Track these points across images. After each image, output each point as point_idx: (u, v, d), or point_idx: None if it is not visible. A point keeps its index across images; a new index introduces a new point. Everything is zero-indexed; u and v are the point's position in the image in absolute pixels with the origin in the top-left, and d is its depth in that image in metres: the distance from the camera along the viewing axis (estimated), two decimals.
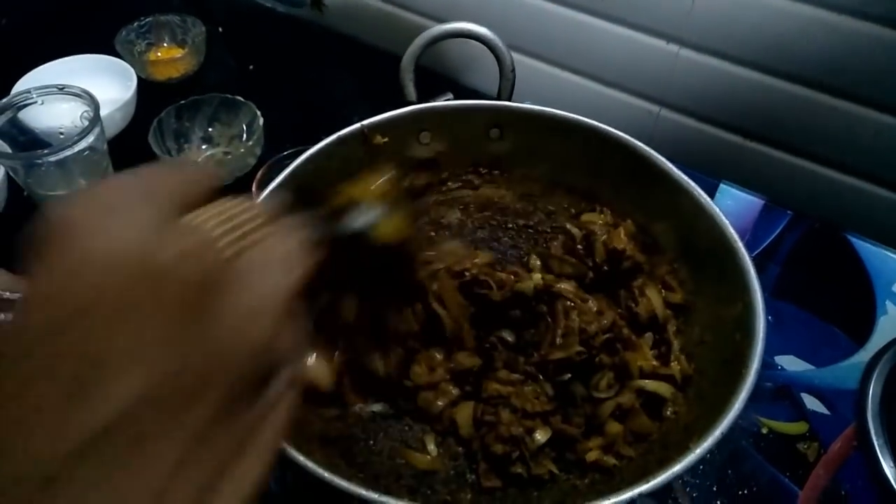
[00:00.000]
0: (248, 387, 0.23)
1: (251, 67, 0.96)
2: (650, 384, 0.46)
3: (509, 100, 0.54)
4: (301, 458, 0.36)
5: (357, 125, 0.50)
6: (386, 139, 0.51)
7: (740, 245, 0.43)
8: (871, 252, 0.68)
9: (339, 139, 0.50)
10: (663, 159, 0.48)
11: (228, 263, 0.23)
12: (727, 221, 0.44)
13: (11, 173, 0.61)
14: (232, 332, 0.22)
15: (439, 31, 0.51)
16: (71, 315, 0.20)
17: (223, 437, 0.22)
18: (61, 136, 0.62)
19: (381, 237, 0.40)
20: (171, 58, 0.90)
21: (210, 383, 0.21)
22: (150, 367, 0.20)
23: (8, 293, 0.38)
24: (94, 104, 0.60)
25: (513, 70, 0.53)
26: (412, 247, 0.43)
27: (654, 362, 0.47)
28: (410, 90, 0.52)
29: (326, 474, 0.35)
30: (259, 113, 0.78)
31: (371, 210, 0.40)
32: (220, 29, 1.00)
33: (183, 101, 0.79)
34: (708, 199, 0.46)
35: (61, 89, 0.60)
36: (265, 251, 0.24)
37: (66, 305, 0.21)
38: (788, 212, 0.72)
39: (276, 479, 0.54)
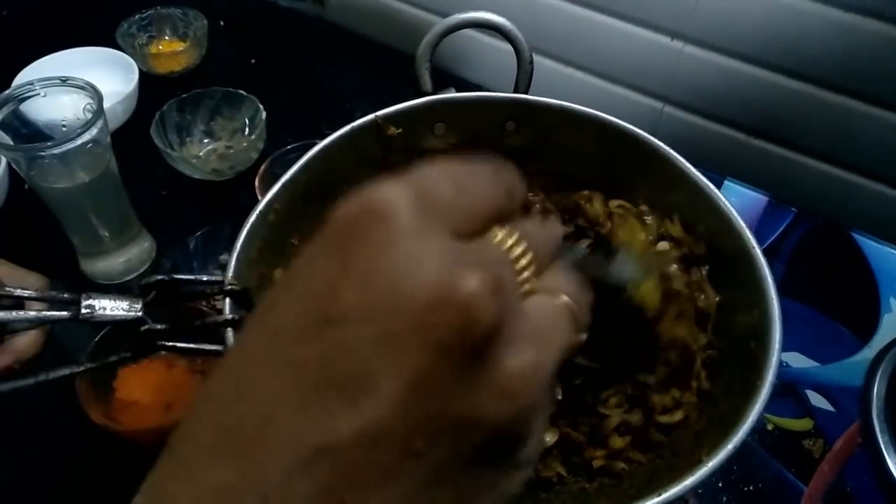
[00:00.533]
0: (490, 451, 0.20)
1: (253, 61, 0.96)
2: (665, 418, 0.44)
3: (526, 92, 0.53)
4: None
5: (371, 116, 0.49)
6: (400, 130, 0.51)
7: (758, 251, 0.42)
8: (876, 250, 0.69)
9: (353, 130, 0.49)
10: (682, 159, 0.47)
11: (520, 308, 0.20)
12: (745, 225, 0.43)
13: (14, 165, 0.61)
14: (499, 396, 0.19)
15: (457, 21, 0.50)
16: (335, 319, 0.18)
17: (448, 492, 0.20)
18: (64, 129, 0.61)
19: (636, 297, 0.38)
20: (173, 51, 0.90)
21: (453, 438, 0.19)
22: (398, 405, 0.18)
23: (20, 290, 0.37)
24: (97, 97, 0.59)
25: (531, 62, 0.52)
26: (655, 324, 0.41)
27: (677, 394, 0.45)
28: (426, 80, 0.51)
29: None
30: (262, 107, 0.78)
31: (638, 264, 0.37)
32: (222, 22, 0.99)
33: (185, 95, 0.78)
34: (726, 202, 0.45)
35: (64, 81, 0.59)
36: (551, 298, 0.22)
37: (333, 306, 0.18)
38: (793, 209, 0.73)
39: None
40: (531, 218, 0.24)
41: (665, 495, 0.33)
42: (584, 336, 0.23)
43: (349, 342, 0.18)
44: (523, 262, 0.22)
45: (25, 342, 0.44)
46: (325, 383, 0.18)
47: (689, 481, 0.34)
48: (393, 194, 0.19)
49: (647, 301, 0.38)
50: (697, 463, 0.34)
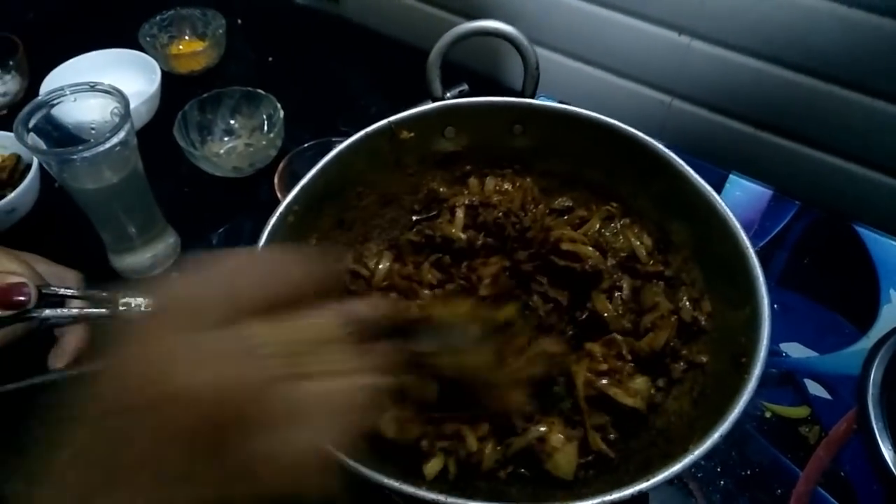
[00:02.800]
0: None
1: (270, 59, 0.98)
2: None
3: (533, 96, 0.55)
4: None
5: (384, 122, 0.52)
6: (412, 134, 0.53)
7: (751, 251, 0.44)
8: (877, 241, 0.70)
9: (367, 135, 0.51)
10: (682, 162, 0.49)
11: (274, 398, 0.22)
12: (740, 227, 0.45)
13: (46, 167, 0.64)
14: (245, 479, 0.22)
15: (466, 29, 0.53)
16: (89, 425, 0.22)
17: None
18: (92, 131, 0.64)
19: (466, 365, 0.40)
20: (193, 51, 0.92)
21: None
22: (150, 495, 0.21)
23: (63, 289, 0.40)
24: (124, 101, 0.62)
25: (537, 67, 0.54)
26: (497, 388, 0.43)
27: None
28: (437, 86, 0.54)
29: (354, 464, 0.35)
30: (279, 105, 0.80)
31: (458, 333, 0.40)
32: (239, 21, 1.02)
33: (206, 94, 0.81)
34: (722, 203, 0.47)
35: (93, 87, 0.62)
36: (326, 391, 0.24)
37: (87, 416, 0.22)
38: (796, 202, 0.74)
39: None
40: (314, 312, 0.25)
41: (652, 481, 0.36)
42: (355, 424, 0.25)
43: (106, 441, 0.22)
44: (293, 351, 0.23)
45: (79, 337, 0.47)
46: (86, 484, 0.22)
47: (676, 468, 0.36)
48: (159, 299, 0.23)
49: (474, 367, 0.41)
50: (685, 451, 0.37)
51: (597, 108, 0.54)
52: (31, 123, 0.60)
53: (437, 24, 0.97)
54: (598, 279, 0.52)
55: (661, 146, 0.50)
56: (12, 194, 0.71)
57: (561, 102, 0.53)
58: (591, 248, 0.51)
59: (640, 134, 0.51)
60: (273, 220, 0.47)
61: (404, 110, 0.53)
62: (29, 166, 0.75)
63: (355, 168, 0.53)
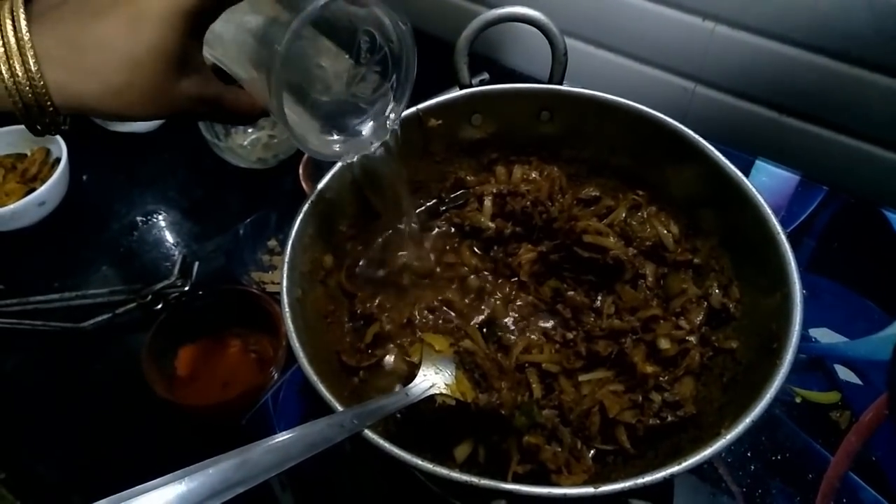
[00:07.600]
0: None
1: None
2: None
3: (560, 83, 0.55)
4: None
5: (413, 109, 0.52)
6: (440, 122, 0.53)
7: (783, 237, 0.44)
8: None
9: None
10: (711, 147, 0.49)
11: None
12: (771, 212, 0.45)
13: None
14: None
15: (495, 16, 0.52)
16: None
17: None
18: None
19: (453, 395, 0.43)
20: None
21: None
22: None
23: None
24: None
25: (565, 54, 0.54)
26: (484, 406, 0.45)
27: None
28: (465, 73, 0.54)
29: (387, 445, 0.37)
30: None
31: (438, 370, 0.43)
32: None
33: None
34: (754, 189, 0.46)
35: None
36: None
37: None
38: (824, 187, 0.74)
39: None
40: None
41: (684, 464, 0.35)
42: None
43: None
44: None
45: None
46: None
47: (708, 452, 0.36)
48: None
49: (462, 393, 0.44)
50: (717, 435, 0.37)
51: (618, 95, 0.53)
52: None
53: (458, 13, 0.96)
54: (622, 270, 0.52)
55: (691, 132, 0.49)
56: (42, 188, 0.72)
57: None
58: (612, 240, 0.52)
59: (671, 120, 0.50)
60: (305, 207, 0.48)
61: (424, 98, 0.53)
62: (58, 160, 0.76)
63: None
